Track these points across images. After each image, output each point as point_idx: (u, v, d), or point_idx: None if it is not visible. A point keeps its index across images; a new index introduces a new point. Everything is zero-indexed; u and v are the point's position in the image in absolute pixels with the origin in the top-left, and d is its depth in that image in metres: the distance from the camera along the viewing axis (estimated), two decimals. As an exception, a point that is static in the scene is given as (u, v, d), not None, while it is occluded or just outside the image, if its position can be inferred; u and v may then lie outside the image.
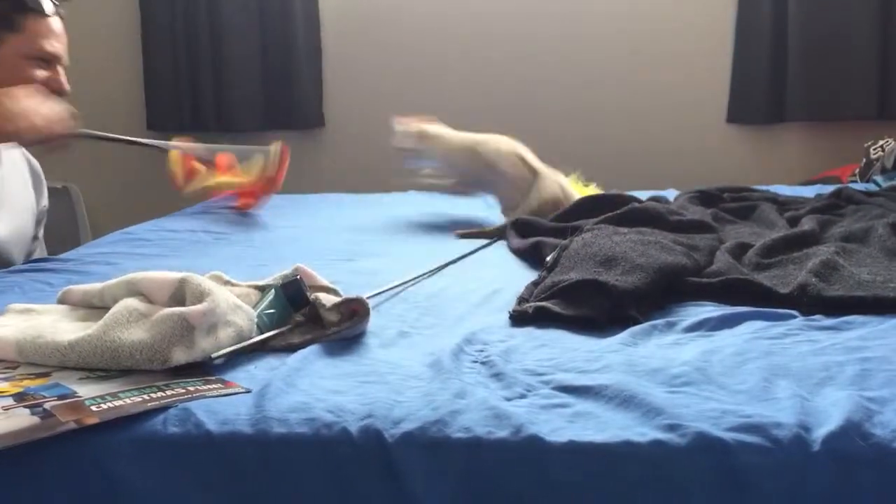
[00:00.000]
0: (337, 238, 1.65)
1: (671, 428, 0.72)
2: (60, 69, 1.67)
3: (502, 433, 0.72)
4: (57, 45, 1.65)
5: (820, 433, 0.71)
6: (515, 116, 2.97)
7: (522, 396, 0.79)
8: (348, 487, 0.73)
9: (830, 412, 0.74)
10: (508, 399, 0.79)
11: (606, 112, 2.97)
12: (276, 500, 0.73)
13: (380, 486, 0.72)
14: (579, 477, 0.70)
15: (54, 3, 1.67)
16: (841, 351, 0.89)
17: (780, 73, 2.85)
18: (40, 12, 1.64)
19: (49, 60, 1.64)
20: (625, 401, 0.77)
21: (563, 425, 0.73)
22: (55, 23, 1.67)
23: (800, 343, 0.92)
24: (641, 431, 0.72)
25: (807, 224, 1.40)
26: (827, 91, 2.81)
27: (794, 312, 1.02)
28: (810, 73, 2.80)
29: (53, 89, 1.62)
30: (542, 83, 2.99)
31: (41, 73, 1.62)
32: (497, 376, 0.84)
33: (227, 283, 1.04)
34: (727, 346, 0.91)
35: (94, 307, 1.00)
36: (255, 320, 0.94)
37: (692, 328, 0.98)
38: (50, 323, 0.95)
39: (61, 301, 1.04)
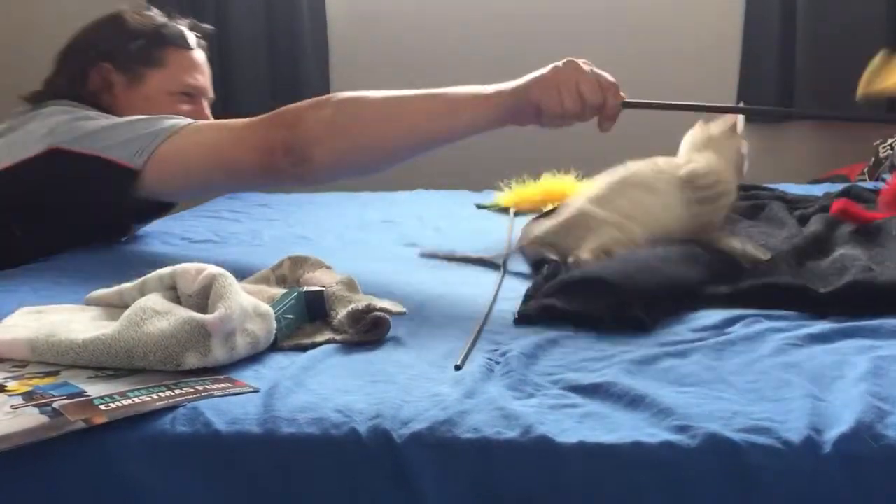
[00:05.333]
0: (345, 236, 1.65)
1: (681, 429, 0.72)
2: (205, 102, 1.67)
3: (511, 433, 0.72)
4: (200, 78, 1.66)
5: (831, 434, 0.70)
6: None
7: (531, 396, 0.79)
8: (357, 487, 0.73)
9: (842, 413, 0.73)
10: (517, 399, 0.78)
11: (614, 109, 2.96)
12: (284, 499, 0.73)
13: (388, 486, 0.72)
14: (589, 477, 0.70)
15: (197, 36, 1.69)
16: (853, 351, 0.88)
17: (789, 70, 2.84)
18: (183, 47, 1.65)
19: (193, 95, 1.64)
20: (634, 401, 0.77)
21: (572, 426, 0.73)
22: (198, 56, 1.68)
23: (811, 343, 0.92)
24: (651, 432, 0.72)
25: (814, 224, 1.39)
26: (836, 89, 2.80)
27: (806, 313, 1.02)
28: (819, 71, 2.80)
29: None
30: (549, 80, 2.98)
31: (186, 108, 1.62)
32: (506, 376, 0.84)
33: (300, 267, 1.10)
34: (737, 346, 0.91)
35: (111, 306, 1.01)
36: (274, 323, 0.94)
37: (702, 328, 0.98)
38: (62, 321, 0.95)
39: (88, 304, 1.04)
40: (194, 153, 1.39)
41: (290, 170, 1.34)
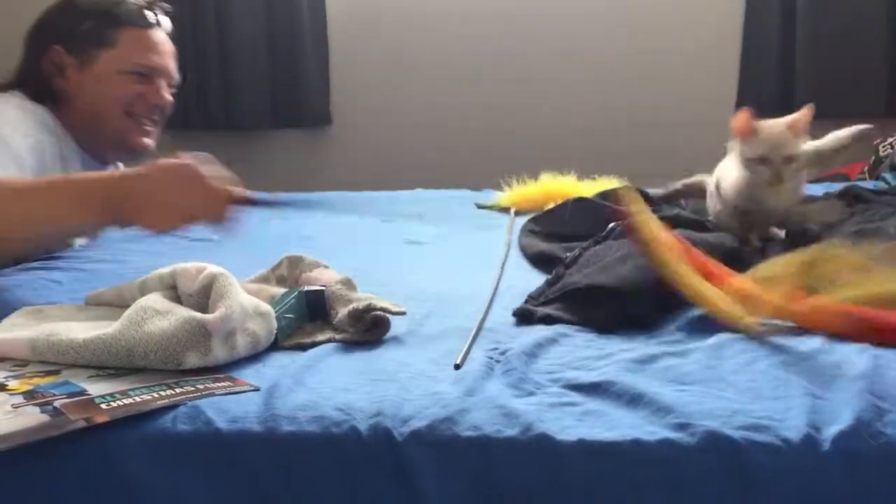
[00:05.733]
0: (344, 235, 1.65)
1: (681, 427, 0.72)
2: (163, 82, 1.63)
3: (511, 431, 0.72)
4: (155, 58, 1.61)
5: (830, 432, 0.71)
6: (522, 113, 2.97)
7: (531, 394, 0.79)
8: (357, 485, 0.73)
9: (841, 411, 0.73)
10: (517, 397, 0.79)
11: (613, 108, 2.96)
12: (285, 497, 0.74)
13: (389, 483, 0.72)
14: (589, 475, 0.70)
15: (156, 14, 1.64)
16: (851, 350, 0.88)
17: (789, 69, 2.84)
18: (138, 25, 1.61)
19: (147, 74, 1.60)
20: (634, 399, 0.77)
21: (572, 424, 0.73)
22: (155, 34, 1.63)
23: (810, 341, 0.92)
24: (651, 430, 0.72)
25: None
26: (835, 87, 2.80)
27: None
28: (819, 69, 2.79)
29: (152, 103, 1.59)
30: (549, 80, 2.98)
31: (139, 88, 1.59)
32: (506, 374, 0.84)
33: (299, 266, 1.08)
34: (737, 344, 0.91)
35: (111, 305, 1.01)
36: (275, 323, 0.94)
37: (702, 326, 0.98)
38: (62, 321, 0.96)
39: (88, 303, 1.04)
40: None
41: None
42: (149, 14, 1.62)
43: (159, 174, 1.12)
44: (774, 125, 1.30)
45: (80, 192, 1.15)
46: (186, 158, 1.13)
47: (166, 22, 1.66)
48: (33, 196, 1.16)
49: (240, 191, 1.15)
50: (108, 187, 1.14)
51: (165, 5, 1.68)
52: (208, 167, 1.13)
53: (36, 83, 1.55)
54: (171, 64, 1.65)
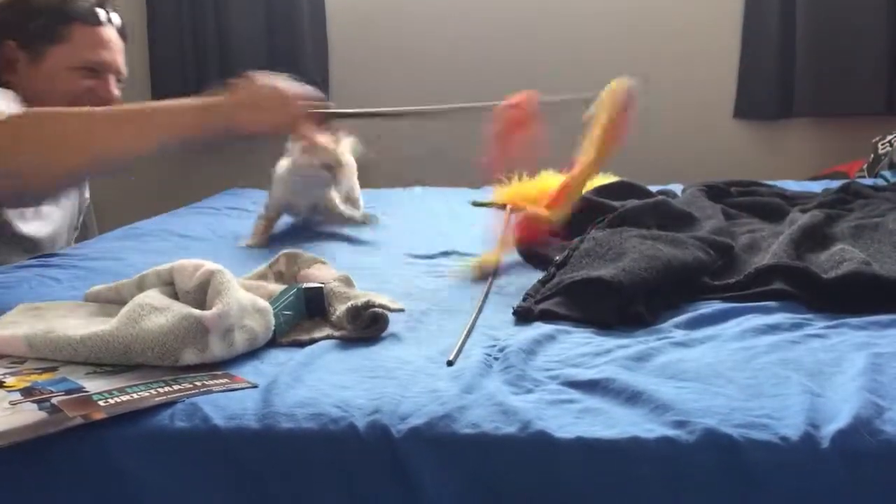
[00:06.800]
0: (342, 232, 1.65)
1: (679, 424, 0.72)
2: (112, 78, 1.65)
3: (510, 429, 0.72)
4: (105, 54, 1.64)
5: (829, 430, 0.70)
6: (522, 111, 2.97)
7: (530, 392, 0.79)
8: (355, 482, 0.73)
9: (840, 409, 0.73)
10: (516, 394, 0.78)
11: (613, 107, 2.96)
12: (282, 495, 0.73)
13: (387, 481, 0.72)
14: (587, 473, 0.70)
15: (106, 11, 1.66)
16: (851, 348, 0.88)
17: (788, 67, 2.84)
18: (89, 22, 1.63)
19: (97, 70, 1.63)
20: (632, 396, 0.77)
21: (571, 421, 0.73)
22: (105, 31, 1.66)
23: (809, 339, 0.92)
24: (650, 428, 0.72)
25: (810, 217, 1.39)
26: (835, 86, 2.80)
27: (803, 308, 1.02)
28: (818, 68, 2.79)
29: (102, 98, 1.60)
30: (548, 79, 2.97)
31: (88, 83, 1.61)
32: (504, 371, 0.84)
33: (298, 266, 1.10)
34: (736, 342, 0.91)
35: (108, 302, 1.00)
36: (272, 319, 0.93)
37: (700, 323, 0.98)
38: (59, 318, 0.95)
39: (86, 300, 1.04)
40: None
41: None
42: (99, 11, 1.65)
43: (250, 87, 1.28)
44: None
45: (177, 103, 1.26)
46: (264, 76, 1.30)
47: (116, 18, 1.69)
48: (131, 109, 1.27)
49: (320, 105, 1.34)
50: (204, 99, 1.27)
51: (115, 2, 1.70)
52: (289, 83, 1.31)
53: None
54: (121, 60, 1.69)
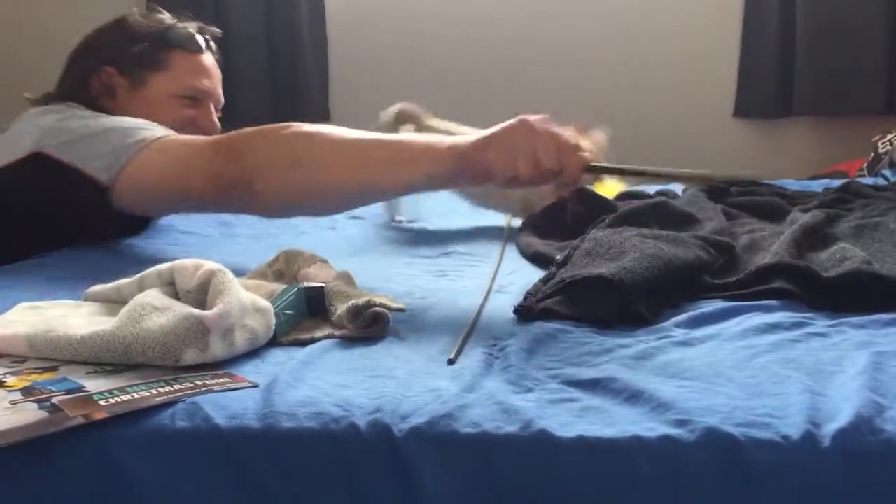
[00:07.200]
0: (343, 232, 1.65)
1: (680, 423, 0.72)
2: (212, 106, 1.65)
3: (511, 428, 0.72)
4: (206, 82, 1.63)
5: (830, 429, 0.70)
6: (521, 111, 2.96)
7: (530, 391, 0.79)
8: (356, 482, 0.73)
9: (841, 407, 0.73)
10: (516, 393, 0.78)
11: (612, 106, 2.96)
12: (283, 494, 0.73)
13: (388, 480, 0.72)
14: (588, 472, 0.70)
15: (205, 39, 1.66)
16: (852, 346, 0.88)
17: (788, 66, 2.84)
18: (189, 50, 1.63)
19: (198, 98, 1.62)
20: (633, 395, 0.77)
21: (571, 420, 0.73)
22: (205, 59, 1.65)
23: (810, 338, 0.92)
24: (651, 426, 0.72)
25: (811, 217, 1.39)
26: (835, 85, 2.80)
27: (804, 307, 1.02)
28: (818, 67, 2.79)
29: (202, 128, 1.59)
30: (548, 78, 2.98)
31: (189, 112, 1.60)
32: (505, 370, 0.84)
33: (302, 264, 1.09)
34: (737, 341, 0.91)
35: (109, 302, 1.00)
36: (273, 319, 0.93)
37: (701, 322, 0.98)
38: (60, 317, 0.95)
39: (86, 300, 1.04)
40: (154, 174, 1.34)
41: (237, 203, 1.29)
42: (199, 38, 1.64)
43: (517, 127, 1.18)
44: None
45: (436, 141, 1.22)
46: (534, 116, 1.19)
47: (214, 46, 1.68)
48: (388, 142, 1.25)
49: (590, 155, 1.20)
50: (462, 140, 1.20)
51: (215, 30, 1.71)
52: (556, 126, 1.19)
53: (84, 102, 1.54)
54: (219, 89, 1.67)
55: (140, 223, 1.57)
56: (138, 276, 0.99)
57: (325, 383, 0.81)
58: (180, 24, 1.66)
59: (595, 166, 1.21)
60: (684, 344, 0.91)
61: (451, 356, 0.87)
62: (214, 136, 1.35)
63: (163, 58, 1.61)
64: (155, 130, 1.40)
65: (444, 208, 1.86)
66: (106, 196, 1.37)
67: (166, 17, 1.68)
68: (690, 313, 1.00)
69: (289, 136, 1.26)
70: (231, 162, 1.26)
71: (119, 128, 1.41)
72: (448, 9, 3.01)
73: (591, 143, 1.30)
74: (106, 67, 1.59)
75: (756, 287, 1.07)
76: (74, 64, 1.63)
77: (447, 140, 1.22)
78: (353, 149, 1.23)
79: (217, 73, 1.68)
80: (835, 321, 0.97)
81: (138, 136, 1.37)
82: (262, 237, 1.62)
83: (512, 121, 1.18)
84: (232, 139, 1.30)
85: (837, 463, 0.69)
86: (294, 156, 1.24)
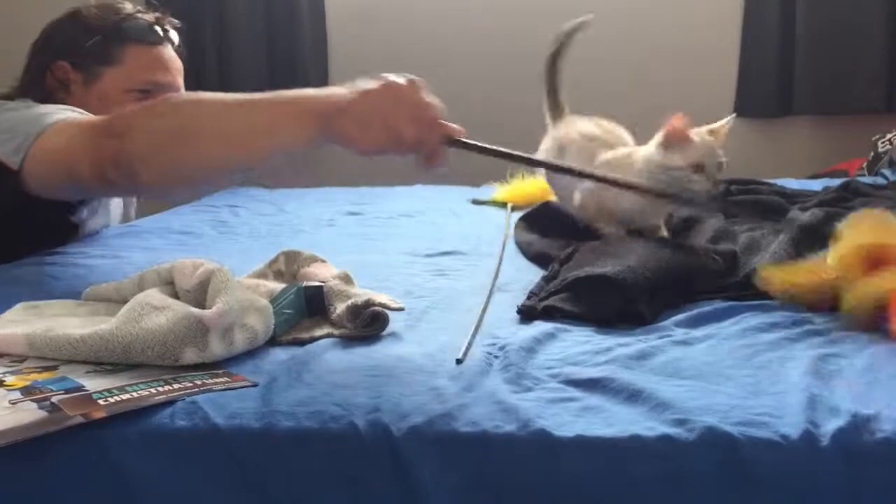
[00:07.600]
0: (343, 230, 1.65)
1: (679, 422, 0.72)
2: None
3: (510, 427, 0.72)
4: (162, 74, 1.59)
5: (829, 428, 0.70)
6: (521, 111, 2.96)
7: (530, 390, 0.79)
8: (356, 481, 0.73)
9: (839, 406, 0.73)
10: (516, 393, 0.78)
11: (613, 105, 2.94)
12: (283, 493, 0.73)
13: (387, 479, 0.72)
14: (587, 471, 0.70)
15: (164, 30, 1.62)
16: (850, 345, 0.89)
17: (788, 65, 2.84)
18: (145, 42, 1.59)
19: (155, 91, 1.56)
20: (633, 395, 0.77)
21: (570, 419, 0.73)
22: (163, 51, 1.61)
23: (808, 336, 0.92)
24: (649, 426, 0.72)
25: (810, 216, 1.38)
26: (835, 84, 2.80)
27: (803, 306, 1.02)
28: (818, 66, 2.79)
29: None
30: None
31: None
32: (504, 370, 0.84)
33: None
34: (736, 340, 0.91)
35: (108, 301, 1.00)
36: (273, 318, 0.93)
37: (700, 322, 0.98)
38: (59, 316, 0.95)
39: (86, 299, 1.04)
40: (50, 156, 1.28)
41: (120, 182, 1.22)
42: (157, 30, 1.60)
43: (379, 92, 1.06)
44: (701, 132, 1.27)
45: (297, 104, 1.12)
46: (402, 79, 1.06)
47: (174, 36, 1.64)
48: (250, 108, 1.14)
49: (456, 128, 1.08)
50: (325, 101, 1.10)
51: (174, 21, 1.65)
52: (426, 93, 1.06)
53: (40, 97, 1.51)
54: (179, 80, 1.63)
55: (71, 227, 1.53)
56: (137, 275, 0.99)
57: (324, 383, 0.81)
58: (137, 15, 1.61)
59: (458, 141, 1.07)
60: (683, 343, 0.91)
61: (460, 356, 0.87)
62: (102, 116, 1.27)
63: (116, 52, 1.57)
64: (66, 113, 1.35)
65: (444, 208, 1.87)
66: (18, 180, 1.30)
67: (125, 6, 1.63)
68: (689, 313, 1.00)
69: (163, 108, 1.21)
70: (113, 140, 1.19)
71: (36, 114, 1.35)
72: (448, 8, 3.01)
73: (707, 136, 1.26)
74: (59, 62, 1.56)
75: (755, 287, 1.07)
76: (32, 58, 1.60)
77: (329, 96, 1.11)
78: (215, 117, 1.16)
79: (176, 65, 1.64)
80: (834, 321, 0.97)
81: (49, 119, 1.31)
82: (262, 237, 1.62)
83: (376, 84, 1.07)
84: (112, 120, 1.23)
85: (836, 462, 0.69)
86: (171, 131, 1.16)
